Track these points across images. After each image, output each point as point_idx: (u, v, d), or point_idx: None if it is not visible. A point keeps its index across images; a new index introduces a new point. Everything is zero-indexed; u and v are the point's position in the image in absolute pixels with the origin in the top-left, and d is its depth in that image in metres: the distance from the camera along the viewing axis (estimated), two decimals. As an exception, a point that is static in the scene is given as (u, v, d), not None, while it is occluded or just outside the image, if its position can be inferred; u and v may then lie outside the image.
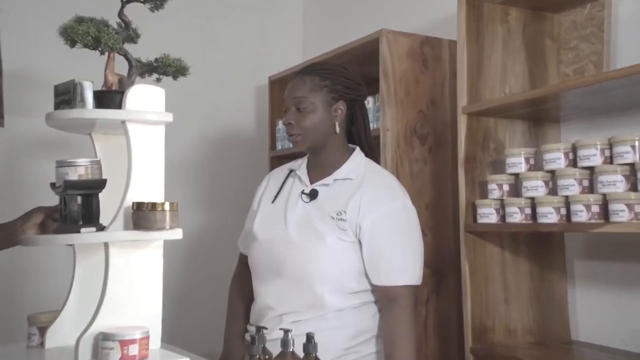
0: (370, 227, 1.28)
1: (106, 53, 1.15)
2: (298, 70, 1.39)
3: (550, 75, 1.69)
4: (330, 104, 1.34)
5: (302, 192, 1.35)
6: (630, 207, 1.25)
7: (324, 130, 1.34)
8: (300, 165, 1.42)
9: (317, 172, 1.38)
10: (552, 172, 1.45)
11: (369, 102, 1.88)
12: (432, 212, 1.79)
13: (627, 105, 1.47)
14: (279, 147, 2.35)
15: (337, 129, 1.35)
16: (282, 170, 1.47)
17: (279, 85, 2.38)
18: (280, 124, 2.35)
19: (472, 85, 1.58)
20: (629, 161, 1.29)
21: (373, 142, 1.46)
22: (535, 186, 1.44)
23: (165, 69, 1.24)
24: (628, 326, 1.51)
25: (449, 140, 1.82)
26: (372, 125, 1.84)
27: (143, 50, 1.28)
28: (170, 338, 1.32)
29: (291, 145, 2.23)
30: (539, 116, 1.65)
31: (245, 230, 1.49)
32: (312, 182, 1.37)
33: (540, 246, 1.63)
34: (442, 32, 1.89)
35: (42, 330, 1.22)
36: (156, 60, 1.24)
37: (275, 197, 1.41)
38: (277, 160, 2.28)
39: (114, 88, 1.16)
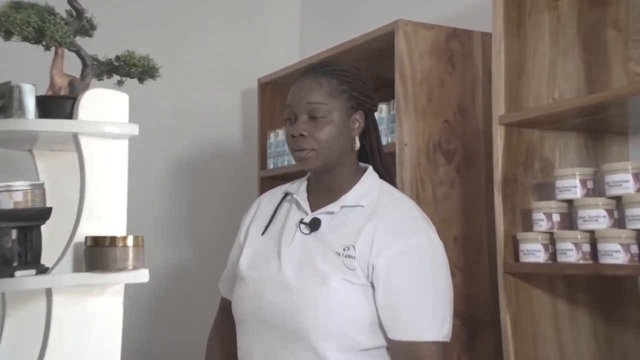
0: (386, 267, 1.25)
1: (53, 48, 1.15)
2: (307, 69, 1.37)
3: (615, 75, 1.67)
4: (349, 113, 1.34)
5: (301, 222, 1.34)
6: None
7: (342, 145, 1.33)
8: (299, 188, 1.41)
9: (320, 196, 1.37)
10: (618, 199, 1.43)
11: (382, 110, 1.88)
12: (462, 248, 1.78)
13: None
14: (270, 165, 2.35)
15: (357, 145, 1.36)
16: (275, 194, 1.47)
17: (271, 89, 2.39)
18: (272, 137, 2.36)
19: (511, 88, 1.57)
20: None
21: (387, 160, 1.45)
22: (596, 216, 1.42)
23: (129, 69, 1.23)
24: None
25: (483, 157, 1.82)
26: (385, 139, 1.86)
27: (101, 46, 1.28)
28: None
29: (286, 163, 2.27)
30: (599, 127, 1.64)
31: (228, 268, 1.48)
32: (313, 209, 1.36)
33: (605, 294, 1.60)
34: (473, 22, 1.89)
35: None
36: (117, 58, 1.24)
37: (267, 227, 1.40)
38: (269, 181, 2.28)
39: (63, 93, 1.16)
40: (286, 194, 1.43)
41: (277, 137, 2.32)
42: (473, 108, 1.83)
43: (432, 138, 1.77)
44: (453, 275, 1.40)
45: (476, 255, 1.79)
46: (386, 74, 1.83)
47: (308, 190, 1.39)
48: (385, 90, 1.87)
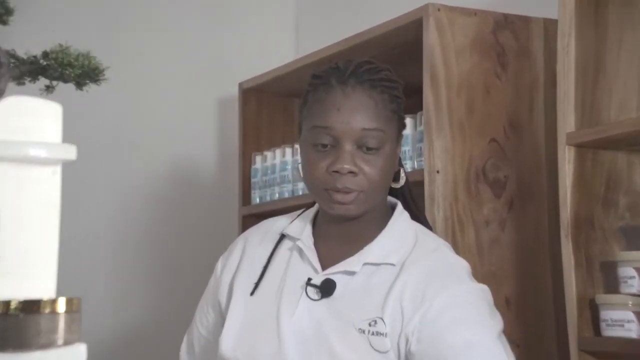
0: (420, 330, 1.23)
1: None
2: (346, 74, 1.31)
3: None
4: (398, 140, 1.35)
5: (308, 283, 1.30)
6: None
7: (388, 184, 1.34)
8: (302, 230, 1.37)
9: (335, 245, 1.34)
10: None
11: (406, 125, 1.83)
12: (519, 315, 1.77)
13: None
14: (255, 199, 2.37)
15: (402, 180, 1.37)
16: (266, 232, 1.44)
17: (257, 98, 2.40)
18: (257, 162, 2.36)
19: (585, 96, 1.57)
20: None
21: (415, 193, 1.46)
22: None
23: (62, 70, 1.15)
24: None
25: (545, 190, 1.82)
26: (410, 164, 1.88)
27: (21, 38, 1.22)
28: None
29: (276, 196, 2.29)
30: None
31: (197, 335, 1.46)
32: (324, 264, 1.32)
33: None
34: (531, 6, 1.90)
35: None
36: (46, 55, 1.16)
37: (258, 283, 1.36)
38: (253, 221, 2.21)
39: None
40: (283, 236, 1.39)
41: (265, 161, 2.32)
42: (531, 123, 1.83)
43: (474, 163, 1.77)
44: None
45: (539, 324, 1.78)
46: (412, 77, 1.75)
47: (315, 234, 1.35)
48: (411, 99, 1.84)
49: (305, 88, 1.39)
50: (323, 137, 1.28)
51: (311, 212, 1.39)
